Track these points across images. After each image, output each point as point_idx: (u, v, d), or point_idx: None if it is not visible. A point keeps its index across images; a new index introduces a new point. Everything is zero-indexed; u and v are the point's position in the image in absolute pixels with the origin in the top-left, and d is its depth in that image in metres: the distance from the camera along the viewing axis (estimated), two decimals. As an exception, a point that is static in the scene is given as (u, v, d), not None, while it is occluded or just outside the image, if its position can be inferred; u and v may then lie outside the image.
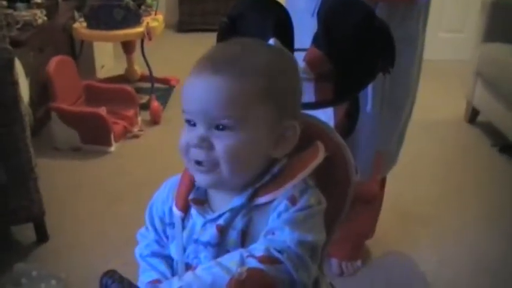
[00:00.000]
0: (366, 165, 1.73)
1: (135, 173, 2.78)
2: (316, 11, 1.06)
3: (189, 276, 0.83)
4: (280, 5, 1.08)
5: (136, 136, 3.15)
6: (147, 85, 3.61)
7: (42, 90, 2.98)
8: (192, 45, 5.09)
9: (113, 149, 2.98)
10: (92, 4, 3.35)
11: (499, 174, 2.91)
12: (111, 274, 0.87)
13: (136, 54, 3.67)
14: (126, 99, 3.20)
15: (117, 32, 3.34)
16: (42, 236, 2.22)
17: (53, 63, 2.94)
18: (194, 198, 0.93)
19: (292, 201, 0.85)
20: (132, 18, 3.37)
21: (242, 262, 0.81)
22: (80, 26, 3.43)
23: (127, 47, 3.76)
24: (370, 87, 1.62)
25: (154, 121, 3.33)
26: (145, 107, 3.37)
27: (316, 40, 1.04)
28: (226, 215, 0.88)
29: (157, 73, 3.76)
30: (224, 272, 0.80)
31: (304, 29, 1.10)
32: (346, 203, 1.02)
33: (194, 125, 0.88)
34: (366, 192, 1.82)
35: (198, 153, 0.87)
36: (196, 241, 0.91)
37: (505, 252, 2.27)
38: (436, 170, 2.93)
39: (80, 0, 4.02)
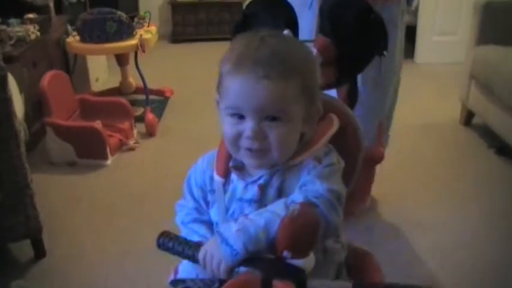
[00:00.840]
0: (371, 134, 2.05)
1: (132, 185, 2.77)
2: (312, 4, 1.32)
3: (243, 220, 0.97)
4: (287, 3, 1.27)
5: (132, 149, 3.14)
6: (142, 97, 3.62)
7: (37, 106, 2.98)
8: (185, 56, 5.14)
9: (109, 162, 2.98)
10: (84, 18, 3.35)
11: (497, 176, 2.91)
12: (166, 234, 1.07)
13: (131, 66, 3.67)
14: (121, 112, 3.20)
15: (110, 45, 3.34)
16: (39, 252, 2.20)
17: (47, 78, 2.93)
18: (234, 165, 1.09)
19: (318, 160, 1.04)
20: (125, 30, 3.37)
21: (287, 208, 0.96)
22: (73, 39, 3.43)
23: (121, 59, 3.76)
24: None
25: (150, 133, 3.32)
26: (140, 119, 3.37)
27: (322, 30, 1.26)
28: (265, 176, 1.05)
29: (152, 84, 3.76)
30: (274, 215, 0.95)
31: (301, 21, 1.26)
32: (357, 165, 1.21)
33: (242, 117, 1.02)
34: (376, 154, 2.10)
35: (252, 143, 1.02)
36: (240, 199, 1.07)
37: (504, 253, 2.26)
38: (433, 173, 2.93)
39: (72, 14, 4.03)
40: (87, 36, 3.35)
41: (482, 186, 2.80)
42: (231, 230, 0.96)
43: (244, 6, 1.33)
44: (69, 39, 3.46)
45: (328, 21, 1.26)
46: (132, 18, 3.60)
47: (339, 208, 1.01)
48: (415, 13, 4.54)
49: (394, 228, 2.41)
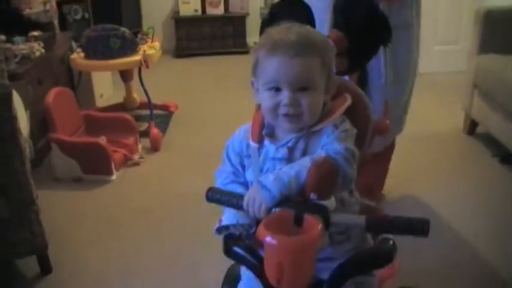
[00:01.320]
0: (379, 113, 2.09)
1: (137, 200, 2.78)
2: (331, 5, 1.55)
3: (278, 172, 1.19)
4: (306, 5, 1.50)
5: (137, 164, 3.15)
6: (147, 112, 3.63)
7: (42, 122, 3.00)
8: (189, 70, 5.17)
9: (114, 177, 2.99)
10: (88, 34, 3.39)
11: (501, 184, 2.91)
12: (213, 189, 1.36)
13: (135, 81, 3.69)
14: (126, 127, 3.22)
15: (114, 61, 3.37)
16: (45, 268, 2.21)
17: (51, 95, 2.96)
18: (266, 133, 1.33)
19: (336, 127, 1.27)
20: (129, 47, 3.40)
21: (312, 161, 1.17)
22: (78, 56, 3.46)
23: (125, 75, 3.79)
24: (382, 65, 2.23)
25: (155, 148, 3.33)
26: (145, 134, 3.39)
27: (336, 25, 1.53)
28: (293, 140, 1.29)
29: (156, 99, 3.78)
30: (302, 167, 1.16)
31: (319, 22, 1.47)
32: (367, 135, 1.43)
33: (278, 90, 1.26)
34: (382, 126, 2.04)
35: (288, 109, 1.25)
36: (273, 159, 1.30)
37: (508, 260, 2.26)
38: (437, 182, 2.92)
39: (77, 30, 4.07)
40: (91, 52, 3.38)
41: (487, 194, 2.80)
42: (268, 179, 1.18)
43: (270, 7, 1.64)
44: (74, 56, 3.49)
45: (341, 17, 1.54)
46: (135, 33, 3.63)
47: (353, 163, 1.22)
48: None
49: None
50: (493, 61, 3.15)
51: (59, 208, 2.71)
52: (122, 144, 3.15)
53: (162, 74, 4.79)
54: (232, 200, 1.27)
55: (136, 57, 3.38)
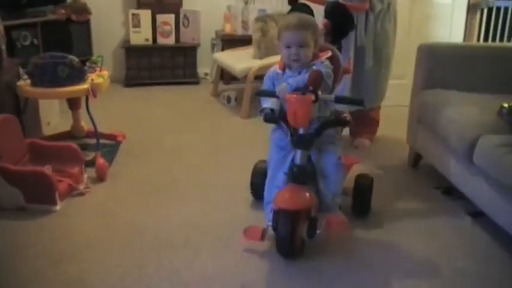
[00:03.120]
0: (373, 96, 3.80)
1: (81, 232, 2.73)
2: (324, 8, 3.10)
3: (293, 78, 2.47)
4: (308, 6, 2.95)
5: (82, 194, 3.10)
6: (94, 141, 3.58)
7: (-15, 150, 2.93)
8: (139, 100, 5.15)
9: (58, 207, 2.93)
10: (36, 61, 3.34)
11: (444, 215, 2.98)
12: (258, 92, 2.64)
13: (83, 110, 3.65)
14: (71, 157, 3.17)
15: (61, 90, 3.32)
16: (-17, 301, 2.15)
17: (-5, 122, 2.90)
18: (287, 65, 2.55)
19: (322, 62, 2.51)
20: (77, 75, 3.37)
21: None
22: (25, 83, 3.40)
23: (72, 103, 3.75)
24: (370, 52, 3.61)
25: (100, 178, 3.29)
26: (91, 163, 3.34)
27: (325, 16, 3.05)
28: (299, 70, 2.50)
29: (104, 129, 3.75)
30: (304, 77, 2.39)
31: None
32: (339, 72, 2.74)
33: (289, 47, 2.46)
34: (372, 117, 3.96)
35: (295, 55, 2.46)
36: (290, 77, 2.49)
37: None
38: (381, 215, 2.98)
39: (25, 57, 4.01)
40: (38, 80, 3.33)
41: (431, 227, 2.87)
42: (289, 81, 2.45)
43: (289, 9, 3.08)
44: (21, 83, 3.43)
45: (328, 15, 3.06)
46: (84, 62, 3.61)
47: (329, 78, 2.47)
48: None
49: (345, 265, 2.44)
50: (435, 96, 3.25)
51: (1, 238, 2.64)
52: (67, 173, 3.10)
53: (111, 103, 4.76)
54: (272, 93, 2.50)
55: (84, 86, 3.35)
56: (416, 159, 3.59)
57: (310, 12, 2.83)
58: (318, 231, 2.48)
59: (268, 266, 2.46)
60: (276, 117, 2.50)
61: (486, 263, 2.55)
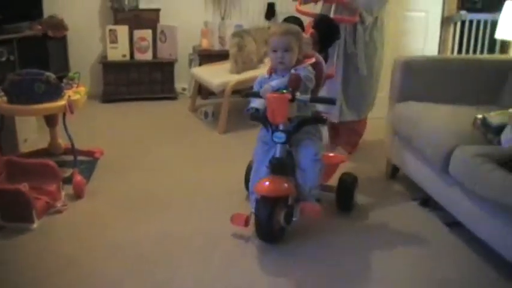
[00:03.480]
0: (362, 107, 4.00)
1: (59, 250, 2.70)
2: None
3: (276, 81, 2.72)
4: (298, 18, 3.22)
5: (59, 211, 3.07)
6: (72, 158, 3.57)
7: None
8: (117, 116, 5.13)
9: (35, 226, 2.90)
10: (12, 78, 3.32)
11: (421, 226, 3.01)
12: (246, 93, 3.00)
13: (60, 126, 3.63)
14: (49, 174, 3.14)
15: (38, 107, 3.31)
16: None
17: (-29, 140, 2.88)
18: (273, 70, 2.85)
19: (304, 67, 2.78)
20: (54, 91, 3.36)
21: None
22: (1, 100, 3.38)
23: (49, 120, 3.73)
24: (362, 61, 3.77)
25: (78, 195, 3.26)
26: (69, 180, 3.32)
27: (313, 27, 3.20)
28: (284, 73, 2.76)
29: (82, 145, 3.73)
30: (285, 80, 2.67)
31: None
32: (322, 78, 3.01)
33: (275, 51, 2.75)
34: (355, 129, 4.02)
35: (280, 58, 2.74)
36: (274, 79, 2.75)
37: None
38: (358, 228, 3.00)
39: (1, 73, 3.99)
40: (14, 97, 3.31)
41: (408, 237, 2.90)
42: (271, 83, 2.69)
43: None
44: (-3, 100, 3.41)
45: (316, 26, 3.22)
46: (61, 78, 3.59)
47: (309, 82, 2.73)
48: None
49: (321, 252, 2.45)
50: (411, 108, 3.30)
51: (-24, 258, 2.61)
52: (44, 191, 3.07)
53: (88, 119, 4.74)
54: (257, 94, 2.78)
55: (61, 103, 3.33)
56: (393, 171, 3.62)
57: (300, 23, 3.10)
58: (294, 219, 2.74)
59: (250, 281, 2.47)
60: (259, 116, 2.77)
61: (464, 272, 2.58)
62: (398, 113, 3.38)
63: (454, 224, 2.95)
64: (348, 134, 4.05)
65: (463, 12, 5.11)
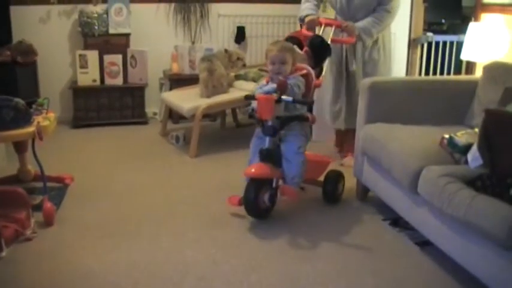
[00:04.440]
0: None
1: (28, 279, 2.66)
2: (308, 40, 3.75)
3: (264, 88, 3.33)
4: (297, 38, 3.78)
5: (29, 239, 3.03)
6: (42, 184, 3.53)
7: None
8: (87, 141, 5.10)
9: (4, 254, 2.85)
10: (-20, 105, 3.29)
11: (393, 247, 3.05)
12: (247, 95, 3.54)
13: (30, 153, 3.60)
14: (18, 201, 3.10)
15: (6, 133, 3.26)
16: None
17: None
18: (270, 80, 3.39)
19: (296, 77, 3.34)
20: (23, 118, 3.33)
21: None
22: (-32, 127, 3.34)
23: (18, 146, 3.69)
24: (360, 77, 4.04)
25: (48, 222, 3.22)
26: (38, 207, 3.28)
27: (308, 46, 3.66)
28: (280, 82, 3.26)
29: (52, 171, 3.70)
30: (275, 86, 3.25)
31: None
32: (312, 87, 3.51)
33: (274, 64, 3.30)
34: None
35: (277, 70, 3.30)
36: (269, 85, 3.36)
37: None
38: (332, 250, 3.02)
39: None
40: (-18, 124, 3.28)
41: (379, 258, 2.92)
42: (264, 88, 3.32)
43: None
44: (-36, 127, 3.36)
45: (310, 44, 3.65)
46: (30, 104, 3.56)
47: (297, 89, 3.28)
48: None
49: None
50: (379, 129, 3.34)
51: None
52: (13, 218, 3.02)
53: (58, 145, 4.70)
54: (254, 97, 3.31)
55: (30, 129, 3.30)
56: (364, 191, 3.66)
57: (299, 42, 3.71)
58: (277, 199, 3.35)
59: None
60: (254, 114, 3.34)
61: (434, 291, 2.61)
62: (367, 134, 3.42)
63: (424, 244, 2.99)
64: (354, 141, 4.11)
65: (429, 34, 5.20)
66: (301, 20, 4.09)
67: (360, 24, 3.92)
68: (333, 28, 3.95)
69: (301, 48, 3.69)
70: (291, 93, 3.22)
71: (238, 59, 5.27)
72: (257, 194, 3.22)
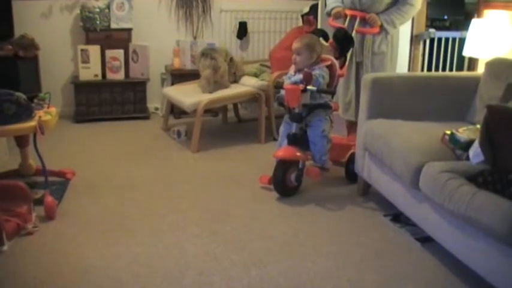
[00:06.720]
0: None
1: (29, 272, 2.66)
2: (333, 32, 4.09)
3: (292, 78, 3.79)
4: (323, 30, 4.22)
5: (30, 233, 3.04)
6: (43, 179, 3.52)
7: None
8: (89, 136, 5.10)
9: (5, 248, 2.86)
10: (-19, 100, 3.29)
11: (394, 242, 3.04)
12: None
13: (31, 147, 3.60)
14: (19, 195, 3.11)
15: (8, 128, 3.26)
16: None
17: None
18: (297, 70, 3.78)
19: (320, 67, 3.71)
20: (24, 112, 3.33)
21: None
22: (-30, 122, 3.34)
23: (20, 141, 3.69)
24: (368, 69, 4.11)
25: (49, 217, 3.23)
26: (40, 202, 3.28)
27: (333, 38, 3.98)
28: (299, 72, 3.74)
29: (54, 166, 3.70)
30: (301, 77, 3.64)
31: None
32: (335, 76, 3.82)
33: (298, 54, 3.71)
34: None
35: (294, 59, 3.73)
36: (294, 76, 3.80)
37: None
38: (333, 246, 3.02)
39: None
40: (-16, 118, 3.28)
41: (380, 253, 2.92)
42: (292, 78, 3.77)
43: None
44: (-35, 122, 3.36)
45: (334, 37, 3.96)
46: (32, 98, 3.56)
47: (322, 79, 3.64)
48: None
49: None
50: (380, 125, 3.34)
51: None
52: (14, 213, 3.03)
53: (60, 140, 4.71)
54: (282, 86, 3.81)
55: (32, 123, 3.30)
56: (365, 187, 3.66)
57: (325, 34, 4.01)
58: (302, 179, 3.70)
59: None
60: (282, 101, 3.72)
61: (436, 287, 2.61)
62: (368, 130, 3.41)
63: (425, 239, 2.99)
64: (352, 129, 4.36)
65: (431, 30, 5.20)
66: (328, 13, 4.30)
67: (383, 15, 3.99)
68: (358, 19, 4.01)
69: (326, 40, 4.01)
70: (316, 83, 3.59)
71: (234, 73, 5.23)
72: (284, 174, 3.60)
